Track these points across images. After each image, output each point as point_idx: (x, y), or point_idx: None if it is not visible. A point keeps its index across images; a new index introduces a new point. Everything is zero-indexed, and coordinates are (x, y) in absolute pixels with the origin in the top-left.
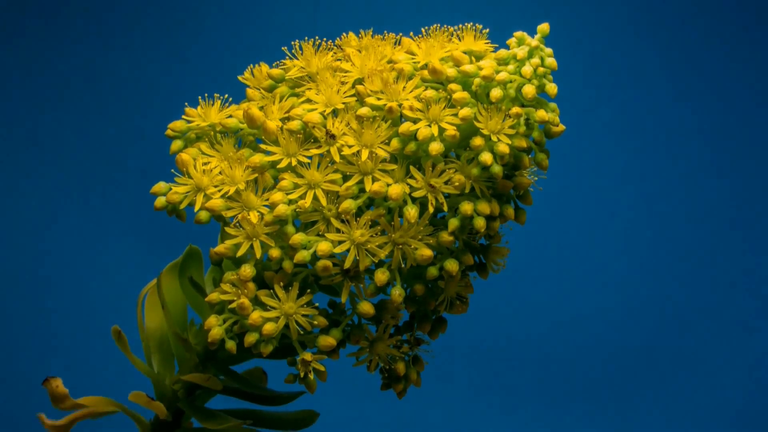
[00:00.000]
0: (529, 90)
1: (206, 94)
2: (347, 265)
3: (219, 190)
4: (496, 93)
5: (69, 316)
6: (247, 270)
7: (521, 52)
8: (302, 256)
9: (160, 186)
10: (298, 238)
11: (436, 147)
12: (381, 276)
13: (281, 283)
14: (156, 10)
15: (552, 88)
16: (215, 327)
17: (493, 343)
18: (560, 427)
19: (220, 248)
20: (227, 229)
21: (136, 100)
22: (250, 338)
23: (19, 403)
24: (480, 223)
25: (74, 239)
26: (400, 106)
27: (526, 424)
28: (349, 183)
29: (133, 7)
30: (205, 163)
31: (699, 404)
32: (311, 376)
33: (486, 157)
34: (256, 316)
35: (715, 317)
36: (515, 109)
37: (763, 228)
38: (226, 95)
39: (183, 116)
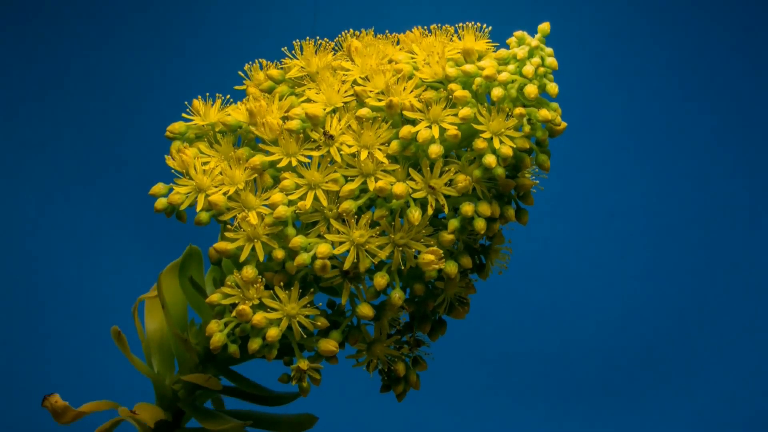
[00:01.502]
0: (531, 90)
1: (207, 94)
2: (346, 266)
3: (219, 191)
4: (497, 92)
5: (69, 317)
6: (249, 271)
7: (521, 52)
8: (302, 259)
9: (159, 187)
10: (298, 240)
11: (435, 149)
12: (380, 280)
13: (282, 283)
14: (157, 11)
15: (553, 87)
16: (216, 333)
17: (493, 344)
18: (561, 428)
19: (221, 245)
20: (227, 233)
21: (136, 100)
22: (254, 345)
23: (18, 406)
24: (480, 224)
25: (73, 240)
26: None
27: (527, 425)
28: (352, 186)
29: (133, 7)
30: (204, 163)
31: (700, 405)
32: (305, 383)
33: (490, 160)
34: (259, 317)
35: (716, 317)
36: (519, 110)
37: (765, 227)
38: (228, 96)
39: (183, 114)
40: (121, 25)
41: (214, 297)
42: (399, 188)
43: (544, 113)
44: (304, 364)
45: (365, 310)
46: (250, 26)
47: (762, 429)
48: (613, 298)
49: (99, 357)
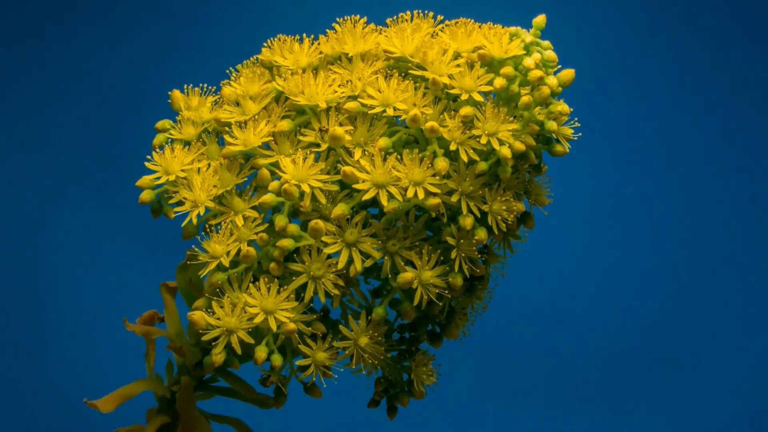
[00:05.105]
0: (536, 74)
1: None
2: (340, 266)
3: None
4: (499, 82)
5: (68, 318)
6: (249, 251)
7: (516, 48)
8: (287, 243)
9: (146, 180)
10: (292, 228)
11: (442, 164)
12: (407, 276)
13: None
14: (157, 12)
15: (553, 80)
16: (217, 355)
17: (493, 344)
18: (561, 428)
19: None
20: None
21: (136, 100)
22: (261, 353)
23: (19, 407)
24: (482, 234)
25: (74, 241)
26: (394, 109)
27: (527, 425)
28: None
29: (134, 8)
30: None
31: (700, 404)
32: (285, 389)
33: (505, 152)
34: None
35: (717, 318)
36: (525, 98)
37: (764, 227)
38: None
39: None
40: (123, 26)
41: (199, 302)
42: (429, 122)
43: (546, 90)
44: (274, 379)
45: (380, 312)
46: (251, 27)
47: (762, 429)
48: (614, 298)
49: (98, 357)
